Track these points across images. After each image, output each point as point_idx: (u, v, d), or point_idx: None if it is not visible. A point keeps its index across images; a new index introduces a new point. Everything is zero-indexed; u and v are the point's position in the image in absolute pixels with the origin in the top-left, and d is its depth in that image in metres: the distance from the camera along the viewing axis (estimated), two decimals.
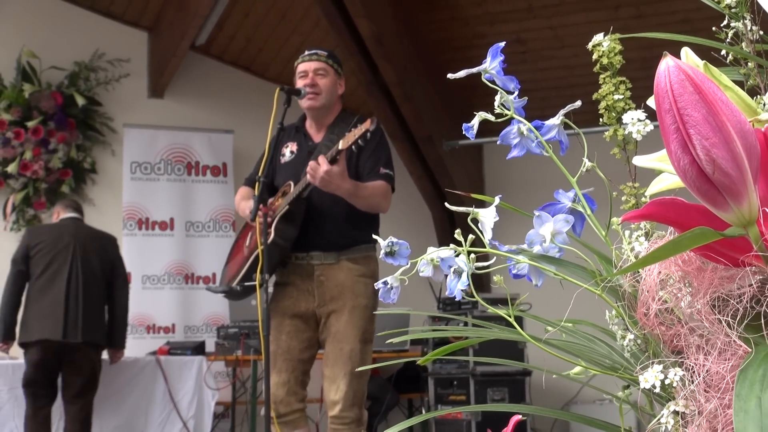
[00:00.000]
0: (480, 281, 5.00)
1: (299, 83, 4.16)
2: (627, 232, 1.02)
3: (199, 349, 6.42)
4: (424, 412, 6.81)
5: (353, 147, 3.75)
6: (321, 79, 4.15)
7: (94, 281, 5.72)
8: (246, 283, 4.06)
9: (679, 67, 0.76)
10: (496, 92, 1.11)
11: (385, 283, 0.96)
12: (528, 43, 7.32)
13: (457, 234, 0.95)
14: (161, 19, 7.72)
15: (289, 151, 4.25)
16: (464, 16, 7.22)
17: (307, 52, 4.23)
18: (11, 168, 7.15)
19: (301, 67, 4.18)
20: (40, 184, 7.27)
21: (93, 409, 5.72)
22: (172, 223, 7.55)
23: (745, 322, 0.81)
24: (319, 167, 3.75)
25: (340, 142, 3.76)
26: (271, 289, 4.06)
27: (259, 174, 4.01)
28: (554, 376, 1.17)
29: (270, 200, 4.10)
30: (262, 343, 3.85)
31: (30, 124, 7.21)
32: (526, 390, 6.51)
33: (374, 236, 1.06)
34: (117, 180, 7.54)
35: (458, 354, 5.59)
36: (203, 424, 6.15)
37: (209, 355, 6.37)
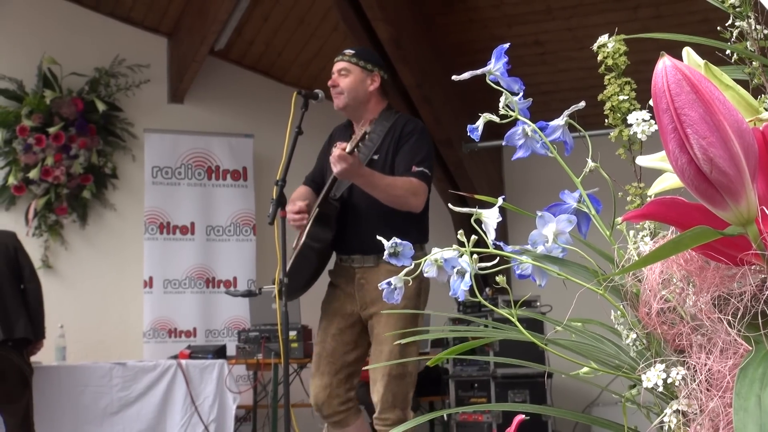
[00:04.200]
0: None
1: None
2: (632, 232, 1.03)
3: (220, 352, 6.45)
4: (444, 415, 6.79)
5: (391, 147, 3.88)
6: (342, 79, 4.14)
7: (2, 279, 5.56)
8: (264, 287, 4.08)
9: (675, 67, 0.77)
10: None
11: (389, 283, 0.96)
12: (547, 45, 7.30)
13: (460, 234, 0.96)
14: (181, 25, 7.76)
15: None
16: (482, 19, 7.21)
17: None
18: (33, 174, 7.20)
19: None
20: (61, 190, 7.32)
21: (31, 414, 5.53)
22: (193, 227, 7.58)
23: (746, 320, 0.81)
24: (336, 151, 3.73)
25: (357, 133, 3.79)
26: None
27: (278, 178, 4.01)
28: (563, 375, 1.18)
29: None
30: (281, 346, 3.87)
31: (51, 130, 7.26)
32: (547, 392, 6.49)
33: (378, 237, 1.07)
34: (138, 185, 7.58)
35: (477, 355, 5.58)
36: (225, 428, 6.16)
37: (230, 358, 6.38)
